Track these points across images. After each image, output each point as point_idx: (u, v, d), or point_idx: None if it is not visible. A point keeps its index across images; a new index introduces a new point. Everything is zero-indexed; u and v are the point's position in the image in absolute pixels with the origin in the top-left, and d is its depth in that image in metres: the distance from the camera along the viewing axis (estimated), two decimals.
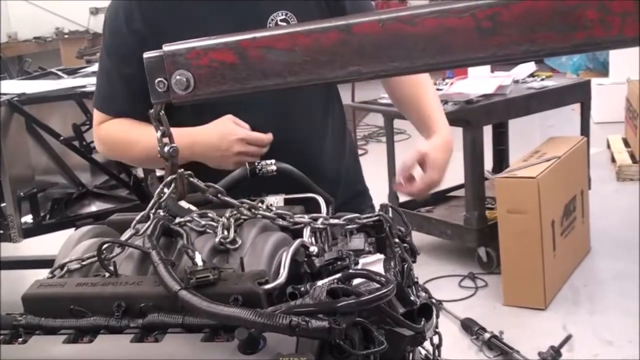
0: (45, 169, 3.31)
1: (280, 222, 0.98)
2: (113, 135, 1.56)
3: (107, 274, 0.87)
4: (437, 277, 3.60)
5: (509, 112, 3.84)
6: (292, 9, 1.48)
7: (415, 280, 1.02)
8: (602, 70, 6.89)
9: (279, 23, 1.47)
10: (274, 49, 0.74)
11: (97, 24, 9.55)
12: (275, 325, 0.70)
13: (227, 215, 0.96)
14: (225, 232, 0.92)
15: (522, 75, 3.99)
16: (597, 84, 6.00)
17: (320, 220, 1.00)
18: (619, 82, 5.87)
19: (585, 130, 4.07)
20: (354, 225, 1.02)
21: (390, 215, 1.07)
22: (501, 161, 4.47)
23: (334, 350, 0.73)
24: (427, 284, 3.27)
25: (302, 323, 0.69)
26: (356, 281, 0.82)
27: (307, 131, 1.56)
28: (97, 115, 1.58)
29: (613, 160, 5.14)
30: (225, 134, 1.42)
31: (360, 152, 5.07)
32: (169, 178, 0.99)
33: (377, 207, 1.10)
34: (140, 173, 3.49)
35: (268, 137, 1.44)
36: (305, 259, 0.88)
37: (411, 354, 0.97)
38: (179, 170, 1.00)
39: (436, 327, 1.02)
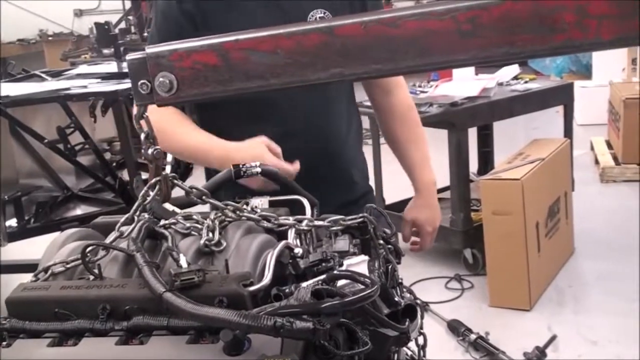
0: (29, 172, 3.29)
1: (265, 224, 0.99)
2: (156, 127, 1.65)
3: (91, 277, 0.87)
4: (423, 278, 3.62)
5: (493, 114, 3.86)
6: (329, 7, 1.59)
7: (400, 281, 1.03)
8: (585, 73, 6.96)
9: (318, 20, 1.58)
10: (256, 51, 0.75)
11: (81, 26, 9.52)
12: (260, 326, 0.70)
13: (211, 217, 0.96)
14: (210, 234, 0.92)
15: (506, 78, 4.02)
16: (580, 86, 6.06)
17: (305, 222, 1.00)
18: (601, 84, 5.93)
19: (568, 132, 4.10)
20: (339, 227, 1.02)
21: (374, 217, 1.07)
22: (486, 163, 4.49)
23: (319, 351, 0.73)
24: (414, 286, 3.29)
25: (287, 324, 0.70)
26: (341, 282, 0.82)
27: (336, 133, 1.68)
28: None
29: (596, 162, 5.18)
30: (256, 158, 1.45)
31: None
32: (153, 180, 0.98)
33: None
34: (125, 176, 3.48)
35: (295, 167, 1.48)
36: (290, 261, 0.88)
37: (396, 355, 0.97)
38: (163, 173, 1.00)
39: (421, 327, 1.03)
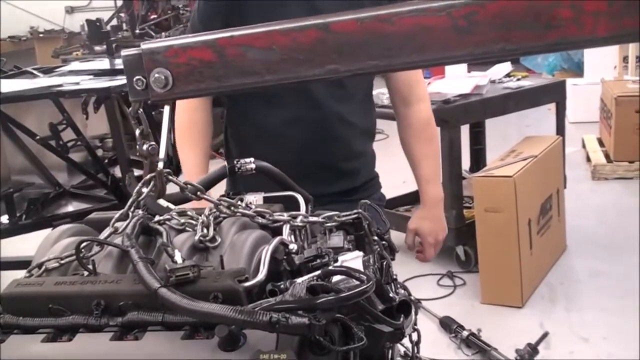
0: (21, 168, 3.28)
1: (260, 220, 0.99)
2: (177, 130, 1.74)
3: (85, 273, 0.87)
4: (415, 276, 3.62)
5: (485, 111, 3.86)
6: (351, 7, 1.64)
7: (394, 277, 1.03)
8: (577, 70, 6.98)
9: None
10: (252, 47, 0.75)
11: (72, 23, 9.48)
12: (256, 322, 0.70)
13: (206, 213, 0.96)
14: (205, 230, 0.92)
15: (498, 75, 4.02)
16: (572, 84, 6.07)
17: (300, 218, 1.00)
18: (593, 82, 5.95)
19: (560, 129, 4.11)
20: (333, 223, 1.02)
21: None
22: (478, 160, 4.50)
23: (314, 347, 0.73)
24: (406, 283, 3.29)
25: (282, 320, 0.70)
26: (335, 278, 0.82)
27: (347, 124, 1.74)
28: None
29: (588, 159, 5.20)
30: None
31: None
32: (147, 176, 0.98)
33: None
34: (117, 173, 3.47)
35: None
36: (285, 257, 0.89)
37: (391, 350, 0.97)
38: (158, 169, 0.99)
39: (415, 324, 1.03)
